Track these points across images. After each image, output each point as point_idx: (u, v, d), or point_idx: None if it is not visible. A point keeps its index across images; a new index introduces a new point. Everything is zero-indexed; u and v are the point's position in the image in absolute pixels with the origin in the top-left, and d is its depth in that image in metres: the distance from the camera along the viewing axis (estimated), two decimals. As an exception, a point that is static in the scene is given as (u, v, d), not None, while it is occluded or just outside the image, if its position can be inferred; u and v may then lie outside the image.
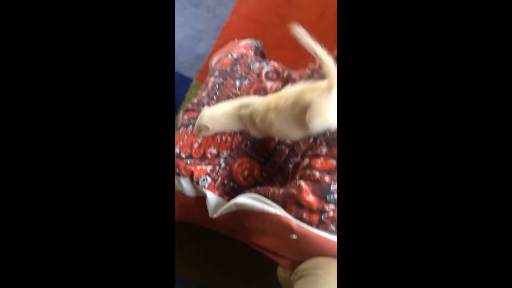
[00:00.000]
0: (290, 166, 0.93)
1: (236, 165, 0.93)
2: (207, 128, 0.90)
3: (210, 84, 1.06)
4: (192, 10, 1.50)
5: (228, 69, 1.08)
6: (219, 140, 0.96)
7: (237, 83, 1.05)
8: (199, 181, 0.89)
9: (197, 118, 0.94)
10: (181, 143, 0.95)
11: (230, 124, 0.92)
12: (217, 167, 0.92)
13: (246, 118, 0.88)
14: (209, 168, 0.91)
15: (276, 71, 1.08)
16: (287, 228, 0.77)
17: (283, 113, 0.80)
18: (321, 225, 0.77)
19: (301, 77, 1.02)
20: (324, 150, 0.83)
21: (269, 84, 1.05)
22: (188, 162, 0.91)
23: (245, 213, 0.83)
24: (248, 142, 0.96)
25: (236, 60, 1.10)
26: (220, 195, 0.90)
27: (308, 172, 0.82)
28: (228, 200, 0.87)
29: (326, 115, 0.74)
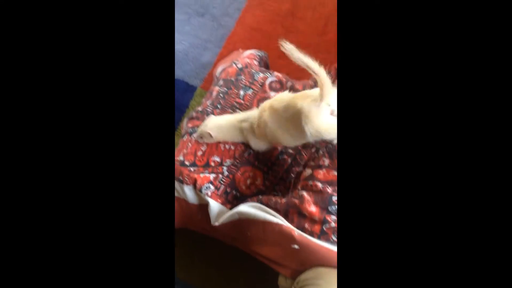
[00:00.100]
0: (292, 175, 0.94)
1: (239, 174, 0.94)
2: (210, 136, 0.92)
3: (214, 93, 1.08)
4: (197, 19, 1.53)
5: (233, 79, 1.10)
6: (222, 149, 0.97)
7: (241, 92, 1.06)
8: (202, 189, 0.90)
9: (201, 126, 0.95)
10: (185, 150, 0.96)
11: (232, 136, 0.94)
12: (220, 175, 0.93)
13: (247, 131, 0.91)
14: (212, 176, 0.92)
15: (279, 82, 1.09)
16: (289, 238, 0.78)
17: (276, 114, 0.83)
18: (322, 235, 0.77)
19: (304, 88, 1.04)
20: (326, 161, 0.84)
21: (272, 94, 1.06)
22: (192, 169, 0.92)
23: (247, 222, 0.83)
24: (251, 151, 0.97)
25: (241, 70, 1.12)
26: (222, 203, 0.90)
27: (310, 182, 0.83)
28: (231, 208, 0.88)
29: (315, 122, 0.76)
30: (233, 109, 1.03)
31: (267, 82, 1.09)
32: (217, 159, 0.95)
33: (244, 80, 1.09)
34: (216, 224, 0.87)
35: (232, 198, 0.92)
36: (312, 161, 0.88)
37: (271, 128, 0.85)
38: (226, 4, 1.54)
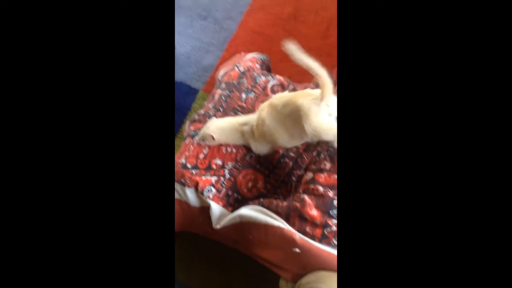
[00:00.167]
0: (294, 179, 0.94)
1: (240, 177, 0.94)
2: (213, 139, 0.92)
3: (216, 96, 1.08)
4: (200, 22, 1.53)
5: (235, 82, 1.10)
6: (224, 152, 0.97)
7: (243, 96, 1.07)
8: (204, 191, 0.90)
9: (203, 129, 0.96)
10: (187, 153, 0.96)
11: (234, 138, 0.95)
12: (222, 178, 0.93)
13: (248, 134, 0.91)
14: (214, 179, 0.92)
15: (281, 85, 1.10)
16: (290, 241, 0.78)
17: (275, 110, 0.83)
18: (324, 239, 0.77)
19: (306, 92, 1.04)
20: (328, 165, 0.84)
21: (274, 98, 1.07)
22: (194, 172, 0.92)
23: (248, 225, 0.83)
24: (253, 154, 0.97)
25: (243, 73, 1.12)
26: (224, 206, 0.91)
27: (312, 186, 0.83)
28: (232, 211, 0.88)
29: (314, 120, 0.77)
30: (235, 112, 1.04)
31: (269, 85, 1.09)
32: (219, 162, 0.95)
33: (246, 83, 1.09)
34: (218, 227, 0.88)
35: (234, 201, 0.92)
36: (314, 164, 0.88)
37: (269, 126, 0.85)
38: (228, 7, 1.55)
